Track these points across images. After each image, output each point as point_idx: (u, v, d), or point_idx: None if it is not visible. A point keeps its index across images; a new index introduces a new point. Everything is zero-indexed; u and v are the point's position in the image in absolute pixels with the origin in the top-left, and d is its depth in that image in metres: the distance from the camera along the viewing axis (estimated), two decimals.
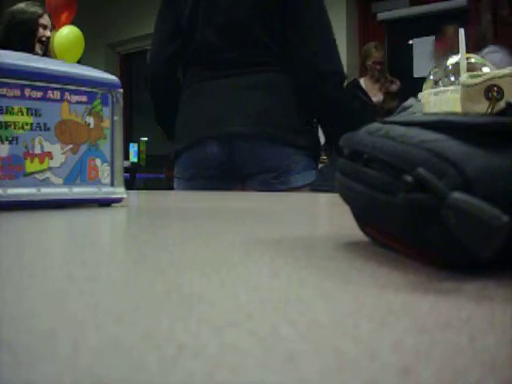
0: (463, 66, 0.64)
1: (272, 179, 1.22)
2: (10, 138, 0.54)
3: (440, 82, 0.77)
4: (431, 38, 2.90)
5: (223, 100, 1.25)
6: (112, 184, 0.62)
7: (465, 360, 0.13)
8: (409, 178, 0.21)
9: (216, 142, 1.24)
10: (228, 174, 1.26)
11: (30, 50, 1.92)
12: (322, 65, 1.22)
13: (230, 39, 1.25)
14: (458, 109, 0.59)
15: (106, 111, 0.62)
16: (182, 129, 1.34)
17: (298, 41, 1.22)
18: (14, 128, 0.54)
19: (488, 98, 0.53)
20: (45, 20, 2.08)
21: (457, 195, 0.20)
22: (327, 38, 1.25)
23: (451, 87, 0.71)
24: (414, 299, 0.18)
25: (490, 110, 0.52)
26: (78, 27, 0.71)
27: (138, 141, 4.98)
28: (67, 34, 0.67)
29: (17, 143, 0.54)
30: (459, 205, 0.19)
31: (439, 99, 0.71)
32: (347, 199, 0.28)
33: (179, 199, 0.84)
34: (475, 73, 0.59)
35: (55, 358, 0.13)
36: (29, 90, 0.55)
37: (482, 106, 0.53)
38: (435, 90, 0.74)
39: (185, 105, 1.34)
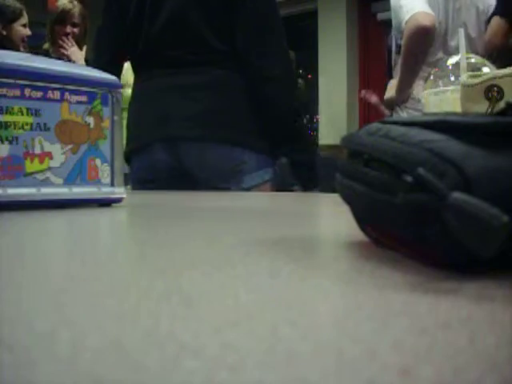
0: (463, 66, 0.64)
1: (222, 183, 1.16)
2: (10, 138, 0.54)
3: (440, 82, 0.77)
4: None
5: (168, 100, 1.19)
6: (112, 184, 0.62)
7: (465, 360, 0.13)
8: (409, 178, 0.21)
9: (163, 145, 1.18)
10: (178, 180, 1.19)
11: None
12: (266, 69, 1.16)
13: (175, 36, 1.20)
14: (458, 109, 0.59)
15: (106, 111, 0.62)
16: (130, 130, 1.27)
17: (245, 41, 1.17)
18: (14, 128, 0.54)
19: (488, 98, 0.53)
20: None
21: (457, 195, 0.20)
22: (276, 41, 1.19)
23: (451, 87, 0.71)
24: (414, 299, 0.18)
25: (489, 109, 0.52)
26: None
27: None
28: None
29: (17, 143, 0.54)
30: (459, 205, 0.19)
31: (439, 99, 0.71)
32: (347, 199, 0.28)
33: (179, 199, 0.84)
34: (475, 73, 0.59)
35: (55, 358, 0.13)
36: (29, 89, 0.55)
37: (482, 106, 0.53)
38: (435, 90, 0.74)
39: (133, 104, 1.29)
